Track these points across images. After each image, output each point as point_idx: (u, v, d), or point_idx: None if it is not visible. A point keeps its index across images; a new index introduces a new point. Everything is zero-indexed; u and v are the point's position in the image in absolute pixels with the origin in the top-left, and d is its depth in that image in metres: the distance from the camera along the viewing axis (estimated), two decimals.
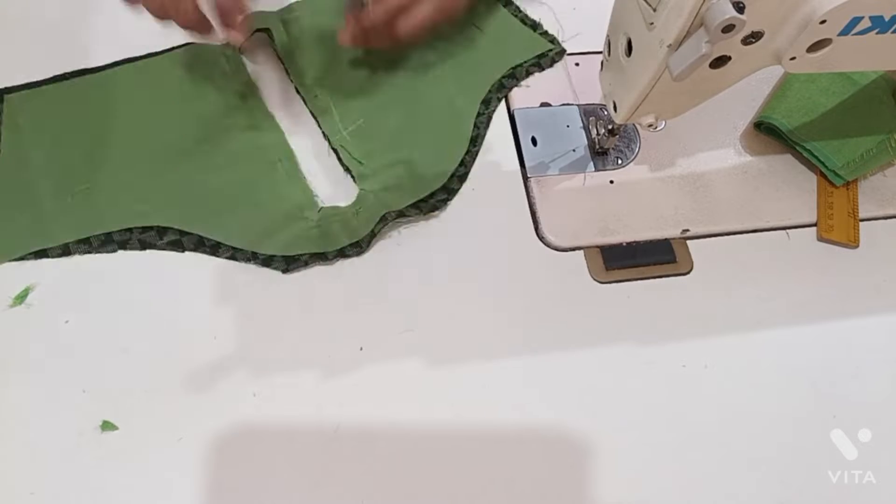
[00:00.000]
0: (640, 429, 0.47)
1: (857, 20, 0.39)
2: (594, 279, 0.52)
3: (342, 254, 0.50)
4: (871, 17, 0.39)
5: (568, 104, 0.59)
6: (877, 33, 0.41)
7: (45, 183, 0.51)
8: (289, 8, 0.60)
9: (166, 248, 0.50)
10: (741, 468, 0.46)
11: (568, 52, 0.61)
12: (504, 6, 0.62)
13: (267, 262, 0.49)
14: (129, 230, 0.50)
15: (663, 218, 0.54)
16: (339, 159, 0.54)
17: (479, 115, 0.57)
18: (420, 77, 0.58)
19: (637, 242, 0.53)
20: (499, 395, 0.47)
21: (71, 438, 0.44)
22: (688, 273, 0.53)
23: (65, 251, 0.49)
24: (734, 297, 0.52)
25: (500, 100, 0.58)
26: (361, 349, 0.48)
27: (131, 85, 0.55)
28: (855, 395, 0.49)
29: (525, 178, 0.55)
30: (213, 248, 0.50)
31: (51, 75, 0.55)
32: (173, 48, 0.57)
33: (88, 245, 0.49)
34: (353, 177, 0.53)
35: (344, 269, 0.50)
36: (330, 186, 0.53)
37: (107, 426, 0.44)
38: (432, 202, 0.52)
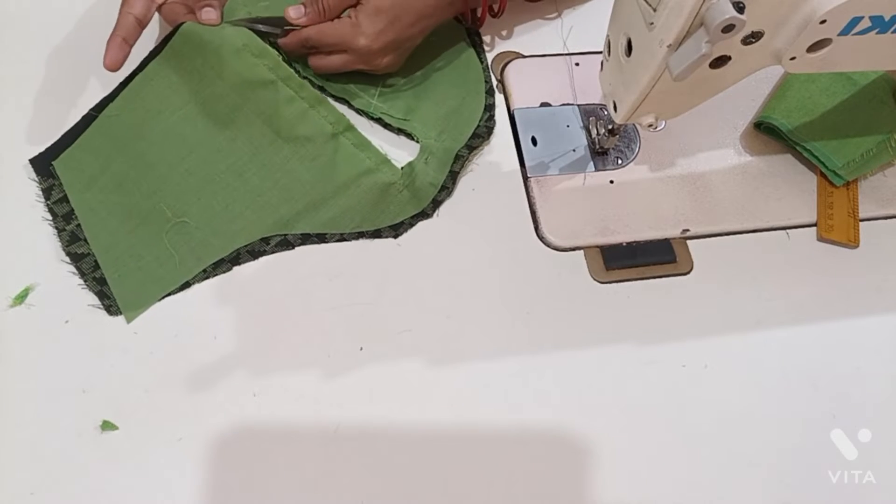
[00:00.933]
0: (640, 429, 0.47)
1: (857, 20, 0.39)
2: (594, 279, 0.52)
3: (436, 202, 0.52)
4: (871, 17, 0.39)
5: (568, 104, 0.59)
6: (877, 33, 0.41)
7: (136, 235, 0.50)
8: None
9: (276, 251, 0.50)
10: (741, 468, 0.46)
11: (568, 52, 0.61)
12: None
13: (376, 234, 0.51)
14: (237, 249, 0.50)
15: (663, 218, 0.54)
16: (385, 124, 0.56)
17: (485, 69, 0.59)
18: (427, 49, 0.58)
19: (637, 242, 0.53)
20: (499, 395, 0.47)
21: (71, 438, 0.44)
22: (688, 273, 0.53)
23: (185, 285, 0.49)
24: (734, 297, 0.52)
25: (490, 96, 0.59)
26: (361, 349, 0.48)
27: (157, 98, 0.53)
28: (855, 395, 0.49)
29: (525, 178, 0.55)
30: (321, 237, 0.51)
31: (76, 119, 0.53)
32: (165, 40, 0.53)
33: (204, 273, 0.49)
34: (406, 134, 0.55)
35: (344, 269, 0.50)
36: (391, 150, 0.55)
37: (107, 426, 0.44)
38: (479, 130, 0.55)
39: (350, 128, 0.54)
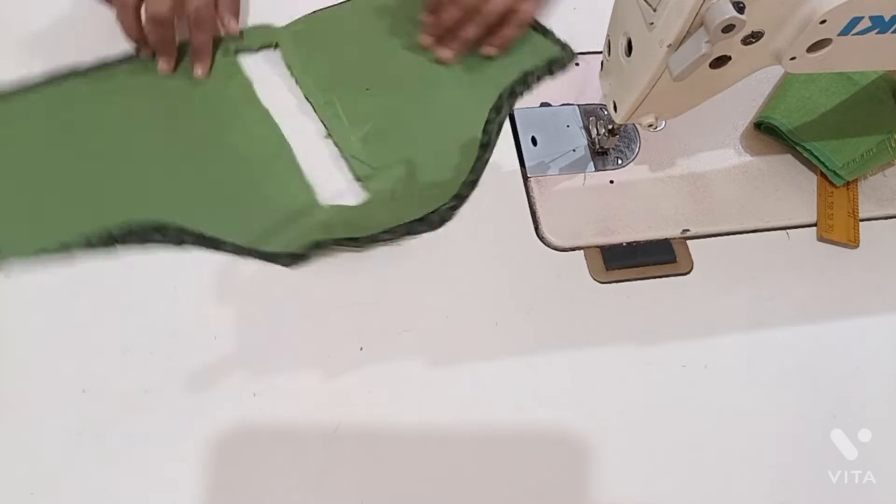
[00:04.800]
0: (640, 429, 0.47)
1: (857, 20, 0.39)
2: (594, 279, 0.52)
3: (338, 243, 0.50)
4: (871, 17, 0.39)
5: (568, 104, 0.59)
6: (877, 33, 0.41)
7: (43, 184, 0.51)
8: (295, 21, 0.60)
9: (167, 242, 0.50)
10: (741, 468, 0.46)
11: None
12: None
13: (271, 258, 0.50)
14: (130, 228, 0.50)
15: (663, 218, 0.54)
16: (350, 166, 0.54)
17: (489, 121, 0.56)
18: (429, 84, 0.58)
19: (637, 242, 0.53)
20: (499, 395, 0.47)
21: (71, 438, 0.44)
22: (688, 273, 0.53)
23: (65, 249, 0.49)
24: (734, 297, 0.52)
25: (511, 106, 0.58)
26: (361, 349, 0.48)
27: (126, 84, 0.56)
28: (855, 395, 0.49)
29: (525, 178, 0.55)
30: (215, 244, 0.50)
31: (42, 73, 0.55)
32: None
33: (89, 244, 0.49)
34: (360, 181, 0.53)
35: (344, 269, 0.50)
36: (336, 190, 0.53)
37: None
38: (441, 211, 0.52)
39: (287, 152, 0.54)
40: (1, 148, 0.52)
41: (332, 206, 0.52)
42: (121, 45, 0.56)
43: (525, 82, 0.59)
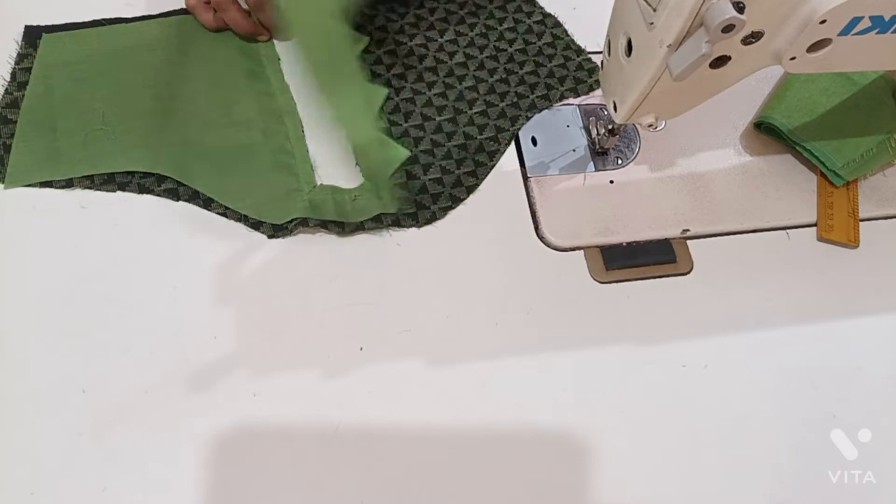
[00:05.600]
0: (640, 429, 0.47)
1: (857, 20, 0.39)
2: (594, 279, 0.52)
3: (323, 225, 0.50)
4: (871, 17, 0.39)
5: (568, 104, 0.59)
6: (877, 33, 0.41)
7: (64, 120, 0.54)
8: None
9: (162, 195, 0.51)
10: (741, 468, 0.46)
11: None
12: (553, 28, 0.62)
13: (255, 225, 0.51)
14: (131, 174, 0.52)
15: (663, 218, 0.54)
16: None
17: (502, 130, 0.56)
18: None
19: (637, 242, 0.53)
20: (498, 395, 0.47)
21: (71, 438, 0.44)
22: (688, 273, 0.53)
23: (68, 184, 0.51)
24: (734, 297, 0.52)
25: (528, 118, 0.57)
26: (361, 349, 0.48)
27: (158, 39, 0.58)
28: (855, 395, 0.49)
29: (525, 178, 0.55)
30: (207, 202, 0.51)
31: (89, 19, 0.58)
32: None
33: (91, 181, 0.51)
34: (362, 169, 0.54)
35: (344, 268, 0.50)
36: (335, 170, 0.54)
37: None
38: (434, 210, 0.53)
39: (297, 127, 0.55)
40: (45, 78, 0.55)
41: (327, 187, 0.53)
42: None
43: (547, 97, 0.58)
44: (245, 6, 0.57)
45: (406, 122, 0.56)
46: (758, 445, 0.47)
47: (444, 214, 0.53)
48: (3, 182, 0.51)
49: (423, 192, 0.53)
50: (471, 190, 0.54)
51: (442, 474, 0.45)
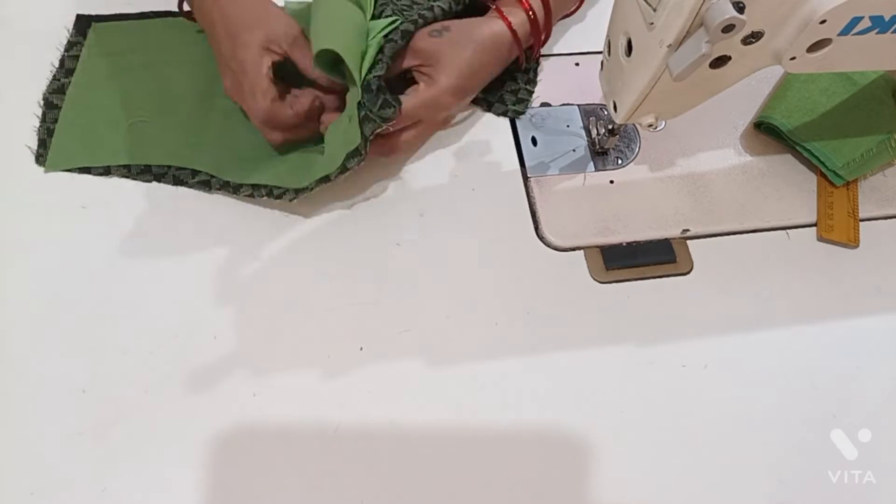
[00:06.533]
0: (640, 429, 0.47)
1: (857, 20, 0.39)
2: (594, 279, 0.52)
3: (344, 169, 0.49)
4: (871, 17, 0.39)
5: (568, 104, 0.59)
6: (877, 33, 0.41)
7: (107, 109, 0.55)
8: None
9: (196, 187, 0.52)
10: (741, 468, 0.46)
11: (568, 52, 0.61)
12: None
13: (280, 195, 0.51)
14: (168, 165, 0.53)
15: (663, 218, 0.54)
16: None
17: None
18: None
19: (637, 242, 0.53)
20: (498, 395, 0.47)
21: (71, 438, 0.44)
22: (688, 273, 0.53)
23: (106, 171, 0.52)
24: (734, 297, 0.52)
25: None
26: (361, 349, 0.48)
27: (203, 34, 0.57)
28: (855, 395, 0.49)
29: (525, 178, 0.55)
30: (236, 188, 0.52)
31: (138, 11, 0.60)
32: None
33: (128, 170, 0.52)
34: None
35: (344, 268, 0.50)
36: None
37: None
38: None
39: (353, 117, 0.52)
40: (92, 66, 0.57)
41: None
42: None
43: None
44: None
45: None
46: (758, 445, 0.47)
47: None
48: (44, 166, 0.52)
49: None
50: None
51: (442, 474, 0.45)
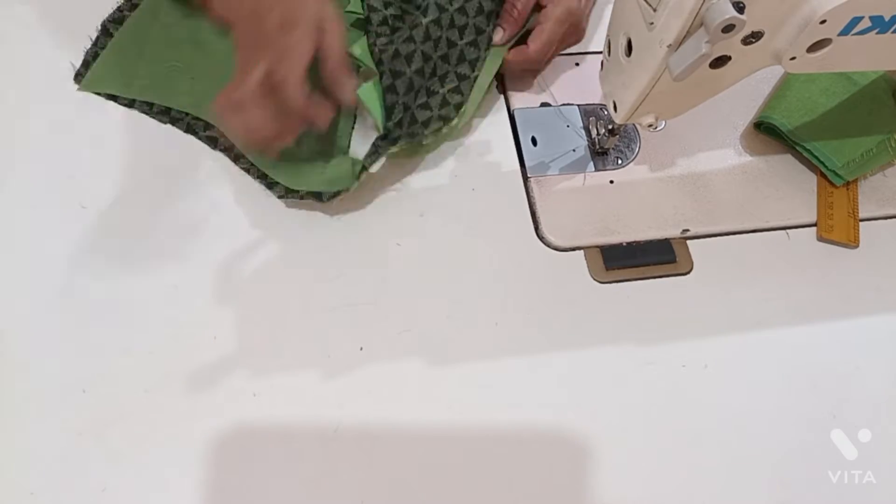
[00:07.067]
0: (640, 428, 0.47)
1: (857, 20, 0.39)
2: (594, 279, 0.52)
3: (336, 194, 0.51)
4: (871, 17, 0.39)
5: (568, 104, 0.59)
6: (877, 33, 0.41)
7: (154, 49, 0.56)
8: None
9: (203, 141, 0.54)
10: (741, 468, 0.46)
11: (568, 52, 0.61)
12: None
13: (271, 185, 0.52)
14: (186, 113, 0.54)
15: (663, 218, 0.54)
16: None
17: (481, 31, 0.55)
18: None
19: (637, 242, 0.53)
20: (498, 395, 0.47)
21: (71, 438, 0.44)
22: (688, 273, 0.53)
23: (130, 104, 0.55)
24: (734, 297, 0.52)
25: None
26: (361, 349, 0.48)
27: None
28: (855, 395, 0.49)
29: (525, 178, 0.55)
30: (237, 157, 0.53)
31: None
32: None
33: (149, 108, 0.55)
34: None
35: (344, 268, 0.50)
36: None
37: None
38: (424, 134, 0.53)
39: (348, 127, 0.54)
40: (155, 7, 0.57)
41: (344, 157, 0.53)
42: None
43: None
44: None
45: (393, 35, 0.53)
46: (758, 445, 0.47)
47: (436, 134, 0.53)
48: (79, 84, 0.55)
49: (413, 122, 0.52)
50: (458, 108, 0.54)
51: (442, 474, 0.45)
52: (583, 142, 0.57)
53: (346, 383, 0.46)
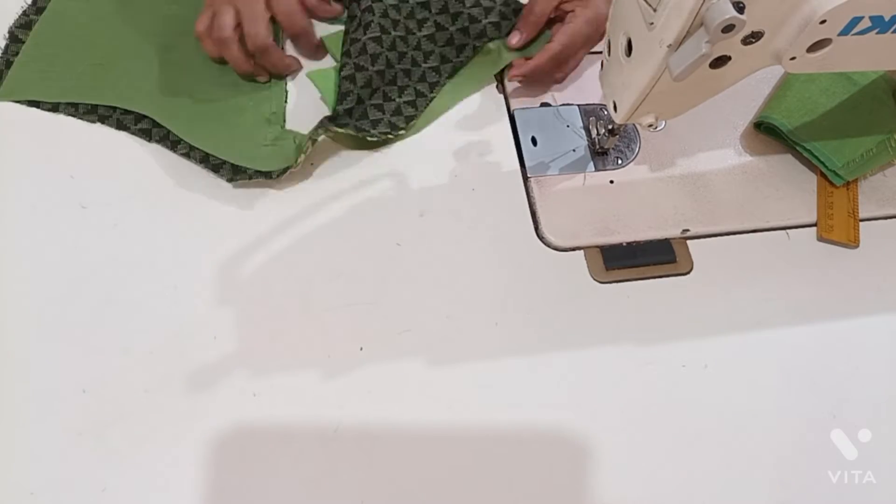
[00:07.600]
0: (640, 428, 0.47)
1: (857, 20, 0.39)
2: (594, 279, 0.52)
3: (285, 171, 0.51)
4: (871, 17, 0.39)
5: (568, 104, 0.59)
6: (877, 33, 0.41)
7: (68, 49, 0.56)
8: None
9: (137, 135, 0.54)
10: (741, 468, 0.46)
11: None
12: None
13: (216, 168, 0.52)
14: (113, 108, 0.54)
15: (663, 218, 0.54)
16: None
17: (447, 60, 0.58)
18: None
19: (637, 242, 0.53)
20: (498, 396, 0.47)
21: (71, 438, 0.44)
22: (688, 273, 0.53)
23: (54, 108, 0.54)
24: (734, 297, 0.52)
25: (476, 49, 0.59)
26: (361, 349, 0.48)
27: None
28: (855, 395, 0.49)
29: (525, 178, 0.55)
30: (174, 144, 0.53)
31: None
32: None
33: (75, 109, 0.54)
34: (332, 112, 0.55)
35: (344, 268, 0.50)
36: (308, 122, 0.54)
37: None
38: (374, 133, 0.54)
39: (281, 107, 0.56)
40: (62, 8, 0.57)
41: (287, 130, 0.55)
42: None
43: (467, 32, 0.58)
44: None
45: (365, 34, 0.55)
46: (758, 445, 0.47)
47: (384, 138, 0.54)
48: None
49: (363, 117, 0.54)
50: (409, 120, 0.55)
51: (442, 474, 0.45)
52: (583, 142, 0.57)
53: (346, 383, 0.46)
